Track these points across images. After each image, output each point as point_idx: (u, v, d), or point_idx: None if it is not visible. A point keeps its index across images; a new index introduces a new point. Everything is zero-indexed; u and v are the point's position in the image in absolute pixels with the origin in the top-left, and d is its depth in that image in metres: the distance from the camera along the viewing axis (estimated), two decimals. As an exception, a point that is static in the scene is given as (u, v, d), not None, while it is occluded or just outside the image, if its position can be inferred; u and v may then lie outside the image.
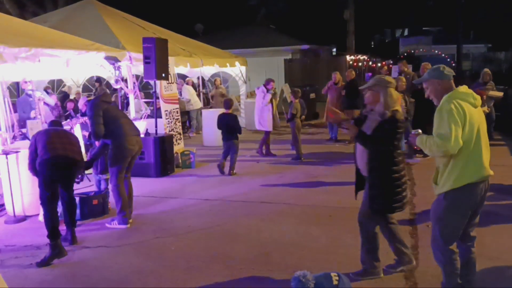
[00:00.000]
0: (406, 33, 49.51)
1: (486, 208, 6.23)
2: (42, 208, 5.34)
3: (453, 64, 30.20)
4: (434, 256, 3.87)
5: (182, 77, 14.62)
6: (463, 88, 3.63)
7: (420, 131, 3.88)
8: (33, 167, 5.39)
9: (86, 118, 9.84)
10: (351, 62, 25.60)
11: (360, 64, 27.84)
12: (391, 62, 29.96)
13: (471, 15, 34.05)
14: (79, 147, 5.76)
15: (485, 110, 8.53)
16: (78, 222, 6.06)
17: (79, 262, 5.00)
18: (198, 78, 15.39)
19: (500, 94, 10.14)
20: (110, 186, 6.19)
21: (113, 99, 12.64)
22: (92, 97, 7.81)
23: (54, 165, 5.26)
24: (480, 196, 3.64)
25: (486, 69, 10.53)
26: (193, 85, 14.92)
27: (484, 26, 35.89)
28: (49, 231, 5.13)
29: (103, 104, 6.05)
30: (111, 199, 6.37)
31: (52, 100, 10.68)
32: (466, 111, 3.50)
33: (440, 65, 3.79)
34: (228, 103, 8.85)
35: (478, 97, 3.66)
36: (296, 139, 9.89)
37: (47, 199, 5.25)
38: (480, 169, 3.58)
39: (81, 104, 8.80)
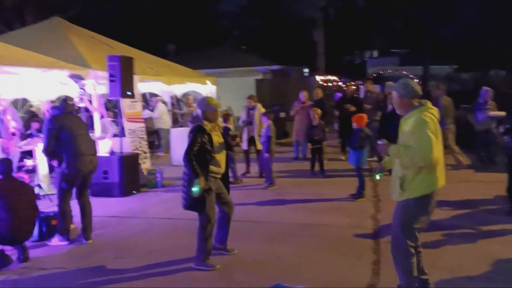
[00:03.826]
0: (375, 54, 50.61)
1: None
2: None
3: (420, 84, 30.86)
4: (394, 262, 3.94)
5: (154, 96, 14.49)
6: (430, 104, 3.87)
7: (385, 140, 3.96)
8: None
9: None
10: (321, 83, 25.93)
11: (330, 84, 28.24)
12: (360, 82, 30.52)
13: (438, 37, 35.10)
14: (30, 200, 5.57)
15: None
16: (37, 243, 5.92)
17: (35, 286, 4.81)
18: (172, 97, 15.23)
19: (503, 113, 9.79)
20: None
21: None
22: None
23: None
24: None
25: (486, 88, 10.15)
26: (165, 104, 14.80)
27: (451, 48, 37.00)
28: None
29: (61, 119, 5.95)
30: (76, 218, 6.21)
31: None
32: (436, 124, 3.78)
33: (408, 82, 3.89)
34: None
35: (438, 112, 3.89)
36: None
37: None
38: (443, 177, 3.88)
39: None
